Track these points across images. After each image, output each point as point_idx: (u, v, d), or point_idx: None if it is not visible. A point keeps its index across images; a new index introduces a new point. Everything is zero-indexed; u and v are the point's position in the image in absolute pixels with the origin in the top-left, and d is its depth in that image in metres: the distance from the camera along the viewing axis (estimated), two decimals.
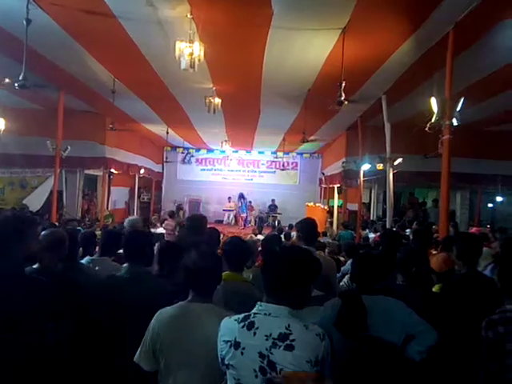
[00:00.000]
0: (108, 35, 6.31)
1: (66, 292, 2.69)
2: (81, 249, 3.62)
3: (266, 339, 1.74)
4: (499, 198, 13.38)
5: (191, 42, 5.33)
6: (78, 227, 7.73)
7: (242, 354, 1.76)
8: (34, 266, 2.83)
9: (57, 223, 8.95)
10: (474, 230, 9.94)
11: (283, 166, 17.83)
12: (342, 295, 2.57)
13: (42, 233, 2.98)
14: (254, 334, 1.76)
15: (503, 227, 9.90)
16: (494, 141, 10.83)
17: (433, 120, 5.57)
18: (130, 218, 4.93)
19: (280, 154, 17.80)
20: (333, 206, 14.98)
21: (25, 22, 5.39)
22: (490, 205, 14.36)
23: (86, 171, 12.92)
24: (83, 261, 3.41)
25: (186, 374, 2.10)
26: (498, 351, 2.25)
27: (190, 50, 5.32)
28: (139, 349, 2.20)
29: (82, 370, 2.62)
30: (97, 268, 3.24)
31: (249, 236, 9.90)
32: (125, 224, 4.39)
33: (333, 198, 15.10)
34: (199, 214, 4.63)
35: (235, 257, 2.97)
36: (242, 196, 18.12)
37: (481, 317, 2.43)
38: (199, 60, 5.46)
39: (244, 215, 18.11)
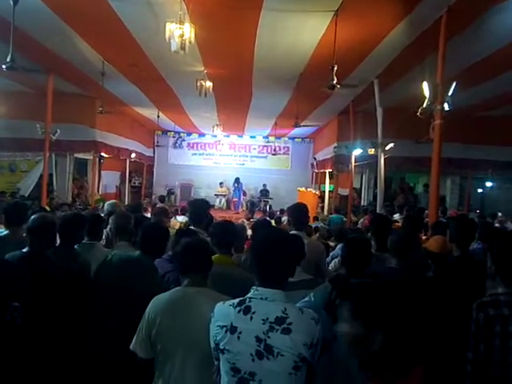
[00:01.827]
0: (97, 16, 6.18)
1: (54, 276, 2.70)
2: None
3: (263, 323, 1.76)
4: (489, 184, 13.51)
5: (181, 23, 5.23)
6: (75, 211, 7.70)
7: (238, 338, 1.77)
8: (24, 250, 2.81)
9: (48, 207, 8.88)
10: (451, 212, 10.04)
11: (275, 150, 17.76)
12: (331, 279, 2.59)
13: (32, 217, 2.96)
14: (251, 318, 1.78)
15: (494, 213, 10.05)
16: (485, 126, 10.84)
17: (424, 105, 5.56)
18: (109, 201, 4.90)
19: (272, 138, 17.74)
20: (324, 191, 15.02)
21: (11, 2, 5.27)
22: (479, 190, 14.49)
23: (76, 155, 12.80)
24: None
25: (184, 358, 2.12)
26: (488, 333, 2.31)
27: (180, 32, 5.23)
28: (135, 337, 2.21)
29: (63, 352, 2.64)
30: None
31: (240, 220, 9.90)
32: (105, 207, 4.36)
33: (324, 182, 15.12)
34: (201, 199, 4.61)
35: (223, 239, 2.98)
36: (237, 180, 18.16)
37: (474, 299, 2.47)
38: (190, 42, 5.37)
39: (236, 199, 18.13)
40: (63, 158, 12.41)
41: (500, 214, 10.48)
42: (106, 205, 4.58)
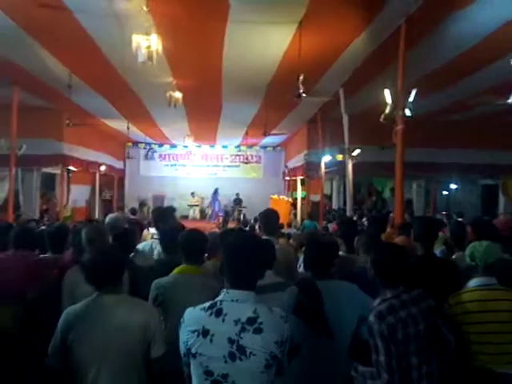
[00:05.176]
0: (62, 28, 6.13)
1: None
2: None
3: (235, 324, 1.78)
4: (453, 186, 13.96)
5: (148, 34, 5.28)
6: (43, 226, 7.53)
7: (211, 341, 1.79)
8: None
9: (14, 224, 8.65)
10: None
11: (247, 159, 17.88)
12: (298, 282, 2.65)
13: None
14: (223, 320, 1.80)
15: (460, 212, 10.40)
16: (447, 130, 11.22)
17: (387, 111, 5.76)
18: (111, 215, 4.74)
19: (243, 148, 17.84)
20: (296, 198, 15.18)
21: None
22: (445, 192, 14.95)
23: (44, 169, 12.49)
24: None
25: (104, 368, 2.07)
26: (391, 341, 2.23)
27: (147, 43, 5.26)
28: (49, 351, 2.15)
29: None
30: None
31: (213, 230, 9.90)
32: (106, 221, 4.26)
33: (296, 190, 15.29)
34: (164, 206, 4.69)
35: (189, 249, 2.94)
36: (216, 191, 18.34)
37: (436, 297, 2.52)
38: (157, 53, 5.41)
39: (214, 209, 18.22)
40: (30, 173, 12.07)
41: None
42: (107, 218, 4.42)
